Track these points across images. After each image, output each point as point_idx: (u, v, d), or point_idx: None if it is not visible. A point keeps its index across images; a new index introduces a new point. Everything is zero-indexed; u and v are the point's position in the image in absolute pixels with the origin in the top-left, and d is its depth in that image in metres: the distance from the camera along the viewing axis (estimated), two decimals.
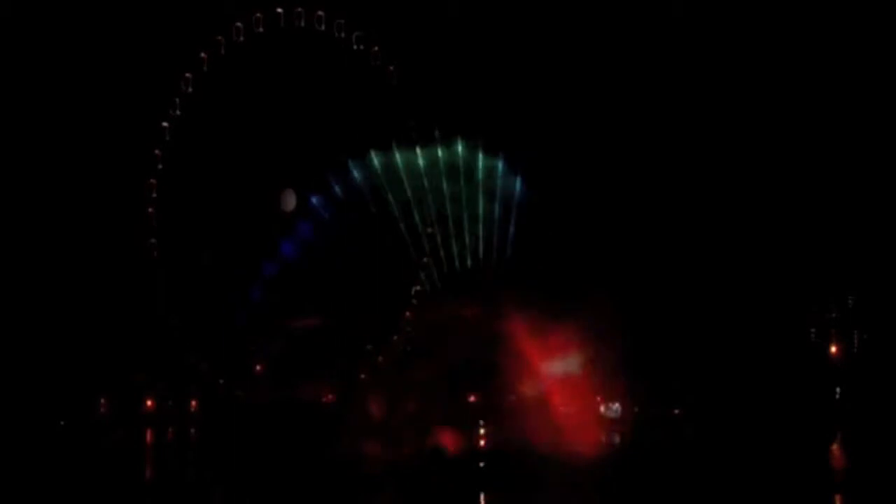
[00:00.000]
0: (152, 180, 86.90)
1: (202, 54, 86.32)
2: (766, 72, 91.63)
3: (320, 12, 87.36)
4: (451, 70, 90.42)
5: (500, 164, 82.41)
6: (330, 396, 79.12)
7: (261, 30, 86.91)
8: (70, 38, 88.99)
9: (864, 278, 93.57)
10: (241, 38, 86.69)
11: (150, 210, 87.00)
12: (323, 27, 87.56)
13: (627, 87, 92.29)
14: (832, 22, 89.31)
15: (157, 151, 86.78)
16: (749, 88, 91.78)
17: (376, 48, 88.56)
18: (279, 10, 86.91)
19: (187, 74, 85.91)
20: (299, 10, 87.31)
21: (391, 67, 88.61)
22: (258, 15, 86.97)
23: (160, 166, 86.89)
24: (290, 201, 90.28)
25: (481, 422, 62.02)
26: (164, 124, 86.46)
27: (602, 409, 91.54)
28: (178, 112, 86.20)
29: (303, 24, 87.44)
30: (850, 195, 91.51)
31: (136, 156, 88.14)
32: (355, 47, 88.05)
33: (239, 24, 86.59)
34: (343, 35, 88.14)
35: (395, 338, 75.73)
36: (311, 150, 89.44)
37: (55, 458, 64.85)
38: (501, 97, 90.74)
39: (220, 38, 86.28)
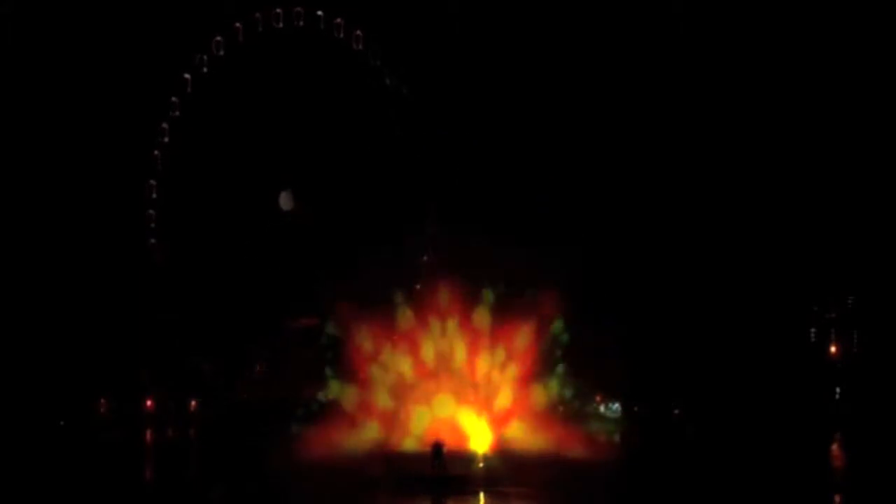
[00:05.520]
0: (152, 180, 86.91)
1: (202, 55, 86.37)
2: (766, 71, 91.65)
3: (319, 12, 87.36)
4: (451, 69, 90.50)
5: None
6: (329, 396, 78.88)
7: (260, 29, 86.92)
8: (70, 37, 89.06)
9: (864, 278, 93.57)
10: (241, 39, 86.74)
11: (150, 210, 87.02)
12: (322, 26, 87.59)
13: (627, 87, 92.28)
14: (832, 22, 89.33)
15: (156, 152, 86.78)
16: (749, 88, 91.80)
17: (374, 48, 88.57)
18: (278, 10, 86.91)
19: (186, 75, 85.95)
20: (298, 9, 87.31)
21: (389, 68, 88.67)
22: (257, 15, 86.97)
23: (160, 167, 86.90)
24: (289, 201, 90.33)
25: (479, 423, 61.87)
26: (164, 125, 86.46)
27: (602, 408, 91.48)
28: (177, 113, 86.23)
29: (301, 24, 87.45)
30: (849, 195, 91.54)
31: (136, 156, 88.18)
32: (355, 47, 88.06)
33: (238, 24, 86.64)
34: (342, 35, 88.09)
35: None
36: (311, 149, 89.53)
37: (55, 458, 64.79)
38: (502, 96, 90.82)
39: (219, 38, 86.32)
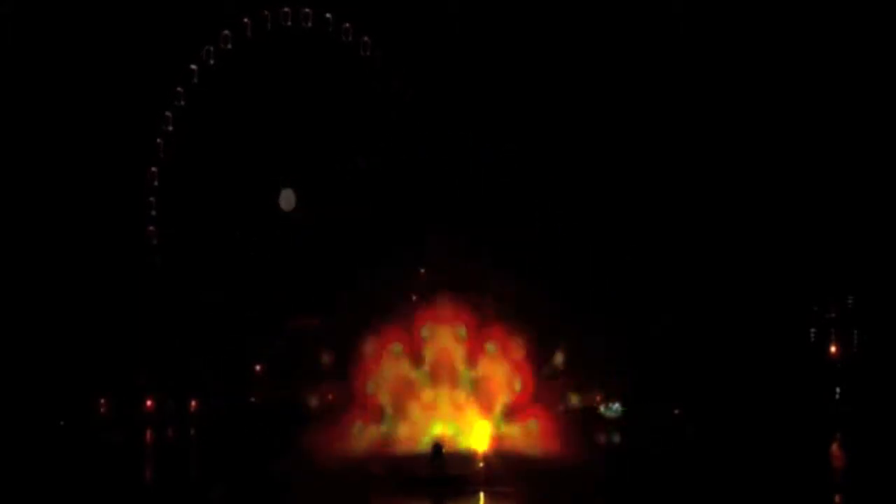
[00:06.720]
0: (153, 168, 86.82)
1: (209, 48, 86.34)
2: (766, 71, 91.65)
3: (328, 14, 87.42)
4: (453, 68, 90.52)
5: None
6: (330, 396, 78.93)
7: (268, 26, 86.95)
8: (74, 30, 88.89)
9: (864, 278, 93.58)
10: (248, 34, 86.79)
11: (150, 206, 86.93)
12: (330, 28, 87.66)
13: (627, 86, 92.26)
14: (832, 22, 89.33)
15: (158, 147, 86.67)
16: (749, 88, 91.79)
17: (379, 50, 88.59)
18: (286, 9, 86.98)
19: (192, 66, 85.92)
20: (307, 10, 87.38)
21: (388, 65, 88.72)
22: (265, 13, 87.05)
23: (162, 161, 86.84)
24: (289, 200, 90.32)
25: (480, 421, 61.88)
26: (168, 114, 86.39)
27: (602, 408, 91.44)
28: (182, 102, 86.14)
29: (310, 24, 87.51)
30: (849, 195, 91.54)
31: (136, 156, 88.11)
32: (362, 52, 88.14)
33: (246, 19, 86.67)
34: (351, 39, 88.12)
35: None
36: (311, 148, 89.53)
37: (55, 458, 64.83)
38: (503, 95, 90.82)
39: (226, 32, 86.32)
